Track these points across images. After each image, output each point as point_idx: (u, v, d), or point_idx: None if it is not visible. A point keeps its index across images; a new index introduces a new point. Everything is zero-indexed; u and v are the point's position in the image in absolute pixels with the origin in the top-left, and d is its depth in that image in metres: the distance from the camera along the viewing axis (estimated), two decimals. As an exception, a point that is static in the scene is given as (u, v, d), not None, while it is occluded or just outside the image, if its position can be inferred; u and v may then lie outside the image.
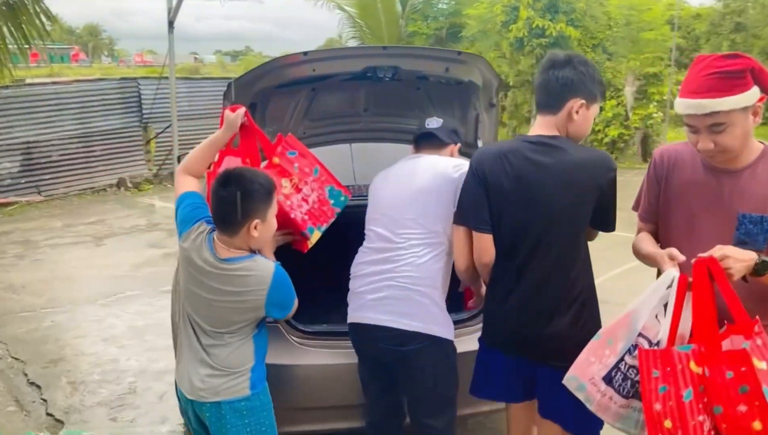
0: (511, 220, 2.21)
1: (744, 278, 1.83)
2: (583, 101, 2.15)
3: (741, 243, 1.90)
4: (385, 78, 2.90)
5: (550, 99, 2.19)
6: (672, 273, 1.88)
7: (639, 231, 2.26)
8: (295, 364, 2.64)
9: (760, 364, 1.68)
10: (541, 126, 2.22)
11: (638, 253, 2.20)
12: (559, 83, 2.15)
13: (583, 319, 2.18)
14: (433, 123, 2.65)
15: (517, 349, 2.27)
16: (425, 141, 2.64)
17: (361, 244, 2.57)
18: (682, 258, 1.90)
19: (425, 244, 2.43)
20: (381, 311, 2.40)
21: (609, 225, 2.25)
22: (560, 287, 2.19)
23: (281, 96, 3.11)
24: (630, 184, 11.02)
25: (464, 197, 2.31)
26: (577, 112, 2.15)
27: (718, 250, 1.80)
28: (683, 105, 1.88)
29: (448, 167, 2.47)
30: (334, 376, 2.74)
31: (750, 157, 1.95)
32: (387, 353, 2.43)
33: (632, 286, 5.78)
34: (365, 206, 2.61)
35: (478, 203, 2.24)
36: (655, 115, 13.50)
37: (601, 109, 13.33)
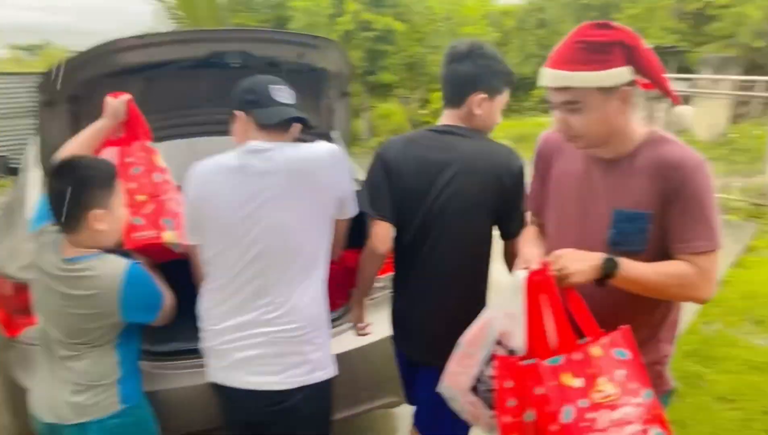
0: (413, 208, 2.13)
1: (600, 283, 1.61)
2: (485, 95, 2.10)
3: (615, 244, 1.67)
4: (233, 65, 2.64)
5: (453, 94, 2.14)
6: (518, 275, 1.65)
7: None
8: (150, 391, 2.31)
9: (571, 381, 1.52)
10: (447, 118, 2.17)
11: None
12: (459, 78, 2.10)
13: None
14: (284, 95, 2.02)
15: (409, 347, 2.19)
16: (278, 126, 1.99)
17: None
18: (534, 266, 1.64)
19: (307, 277, 1.99)
20: (259, 373, 1.96)
21: (510, 228, 2.18)
22: (464, 283, 2.13)
23: (110, 87, 2.72)
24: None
25: (366, 184, 2.18)
26: (479, 107, 2.09)
27: (553, 254, 1.63)
28: (542, 75, 1.64)
29: (322, 153, 1.99)
30: (194, 398, 2.46)
31: (630, 145, 1.68)
32: (262, 413, 2.03)
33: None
34: None
35: (379, 190, 2.14)
36: (478, 105, 14.22)
37: (427, 101, 14.01)
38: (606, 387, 1.51)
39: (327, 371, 2.07)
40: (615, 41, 1.54)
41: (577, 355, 1.55)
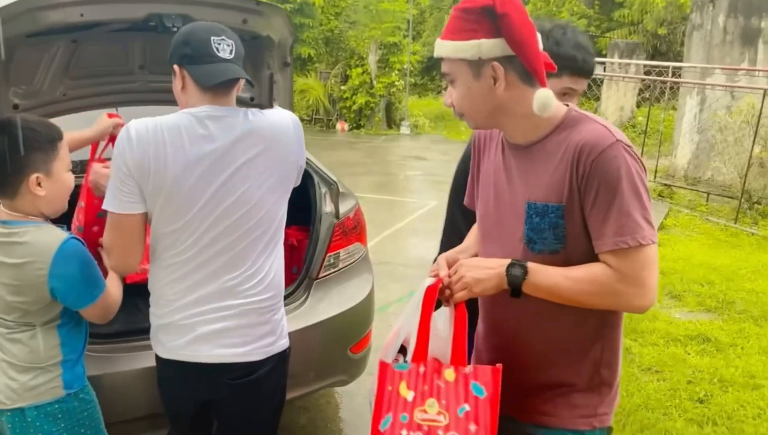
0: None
1: (515, 294, 1.42)
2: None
3: (531, 242, 1.45)
4: (174, 28, 2.44)
5: None
6: (425, 283, 1.52)
7: None
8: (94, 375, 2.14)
9: (404, 392, 1.42)
10: None
11: None
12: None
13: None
14: (225, 49, 1.79)
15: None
16: (223, 85, 1.77)
17: None
18: (442, 273, 1.52)
19: (273, 249, 1.91)
20: (226, 345, 1.85)
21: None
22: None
23: (32, 48, 2.47)
24: (378, 149, 11.56)
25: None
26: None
27: (456, 264, 1.51)
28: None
29: (287, 121, 1.90)
30: (142, 382, 2.31)
31: (541, 129, 1.45)
32: (224, 388, 1.91)
33: (401, 247, 6.10)
34: None
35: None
36: (397, 83, 14.23)
37: (348, 77, 13.91)
38: (433, 410, 1.38)
39: (287, 340, 2.02)
40: (481, 6, 1.34)
41: (423, 368, 1.43)
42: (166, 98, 2.97)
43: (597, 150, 1.34)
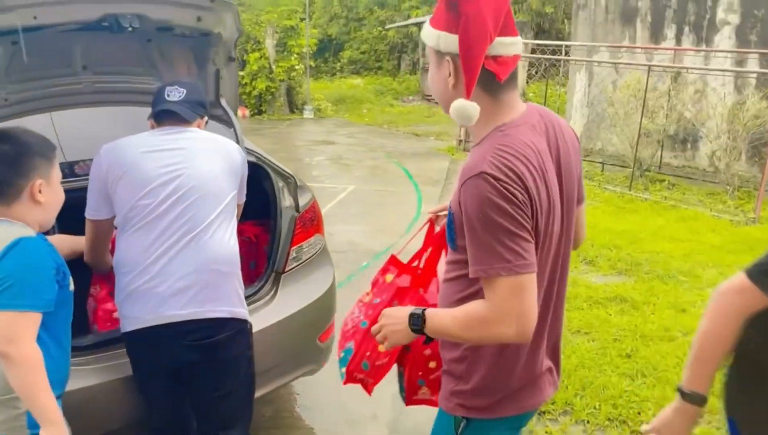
0: None
1: (426, 341, 1.61)
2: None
3: (451, 250, 1.52)
4: (129, 28, 2.38)
5: None
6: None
7: None
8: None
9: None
10: None
11: None
12: None
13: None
14: (174, 94, 2.30)
15: None
16: (167, 117, 2.29)
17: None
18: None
19: (227, 221, 2.24)
20: (187, 304, 2.10)
21: None
22: None
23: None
24: (283, 134, 11.55)
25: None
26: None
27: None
28: None
29: (234, 147, 2.39)
30: (112, 394, 2.28)
31: (476, 137, 1.46)
32: (189, 352, 2.13)
33: (329, 234, 6.16)
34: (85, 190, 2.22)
35: None
36: (297, 67, 14.09)
37: (246, 62, 13.61)
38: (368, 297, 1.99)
39: (247, 314, 2.28)
40: (450, 1, 1.36)
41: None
42: (110, 99, 2.91)
43: (463, 178, 1.36)
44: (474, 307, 1.39)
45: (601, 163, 8.76)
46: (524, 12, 17.30)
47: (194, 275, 2.10)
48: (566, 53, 10.27)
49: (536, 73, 12.31)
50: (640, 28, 9.48)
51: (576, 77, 10.06)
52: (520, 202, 1.32)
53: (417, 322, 1.49)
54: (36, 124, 2.93)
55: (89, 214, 2.24)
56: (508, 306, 1.33)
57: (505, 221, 1.31)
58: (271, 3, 14.02)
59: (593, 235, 5.88)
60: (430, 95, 12.63)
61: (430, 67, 1.49)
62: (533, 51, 12.73)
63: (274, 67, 13.82)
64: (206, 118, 2.46)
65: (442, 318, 1.47)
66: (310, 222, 2.99)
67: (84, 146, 3.01)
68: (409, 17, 18.31)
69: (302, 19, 14.67)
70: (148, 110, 2.45)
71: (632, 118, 7.93)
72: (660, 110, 7.96)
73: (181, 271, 2.09)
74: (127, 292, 2.11)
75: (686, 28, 8.86)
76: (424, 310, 1.49)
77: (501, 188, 1.31)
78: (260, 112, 14.14)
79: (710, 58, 8.60)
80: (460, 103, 1.36)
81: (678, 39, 8.94)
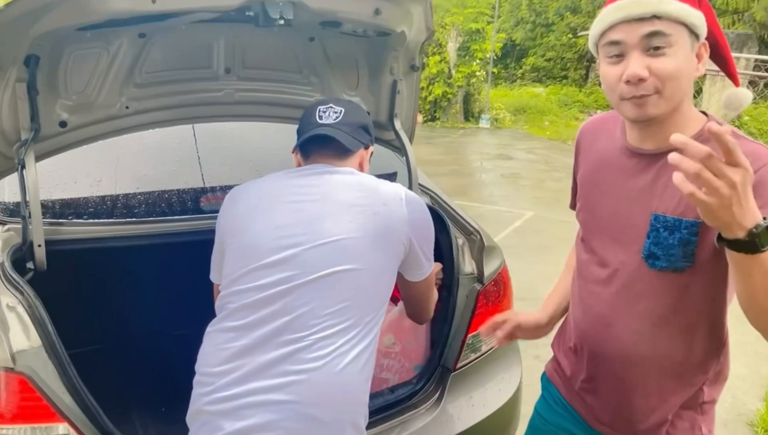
0: None
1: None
2: None
3: (652, 257, 1.30)
4: (280, 20, 1.72)
5: None
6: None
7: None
8: None
9: None
10: None
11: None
12: None
13: None
14: (329, 115, 1.66)
15: None
16: (319, 147, 1.64)
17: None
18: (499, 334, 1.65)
19: (354, 334, 1.44)
20: None
21: None
22: None
23: (86, 45, 1.80)
24: (456, 144, 10.51)
25: None
26: None
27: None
28: (612, 9, 1.25)
29: (392, 197, 1.55)
30: None
31: (689, 129, 1.28)
32: None
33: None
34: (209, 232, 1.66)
35: None
36: (478, 73, 13.32)
37: (426, 66, 13.12)
38: None
39: None
40: None
41: None
42: (256, 112, 2.27)
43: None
44: None
45: None
46: (744, 23, 15.09)
47: (273, 413, 1.33)
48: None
49: (757, 92, 10.64)
50: None
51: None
52: None
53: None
54: (173, 137, 2.47)
55: (211, 273, 1.69)
56: None
57: None
58: (458, 4, 13.33)
59: None
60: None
61: (677, 51, 1.23)
62: (756, 68, 11.09)
63: (453, 72, 13.13)
64: (372, 148, 1.75)
65: None
66: (495, 297, 2.17)
67: (228, 170, 2.47)
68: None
69: (489, 23, 13.82)
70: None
71: None
72: None
73: (256, 408, 1.34)
74: (193, 409, 1.45)
75: None
76: None
77: None
78: (434, 119, 13.53)
79: None
80: (745, 93, 1.40)
81: None
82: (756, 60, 11.11)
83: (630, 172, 1.37)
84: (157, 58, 1.95)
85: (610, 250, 1.39)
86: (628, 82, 1.23)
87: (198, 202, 2.23)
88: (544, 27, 20.84)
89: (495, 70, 16.77)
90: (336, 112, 1.66)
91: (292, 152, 1.70)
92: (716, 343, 1.35)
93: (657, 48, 1.22)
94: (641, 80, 1.22)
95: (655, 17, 1.21)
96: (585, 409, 1.51)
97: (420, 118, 13.37)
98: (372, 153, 1.75)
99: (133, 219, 2.10)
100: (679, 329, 1.32)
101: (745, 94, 1.36)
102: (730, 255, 1.11)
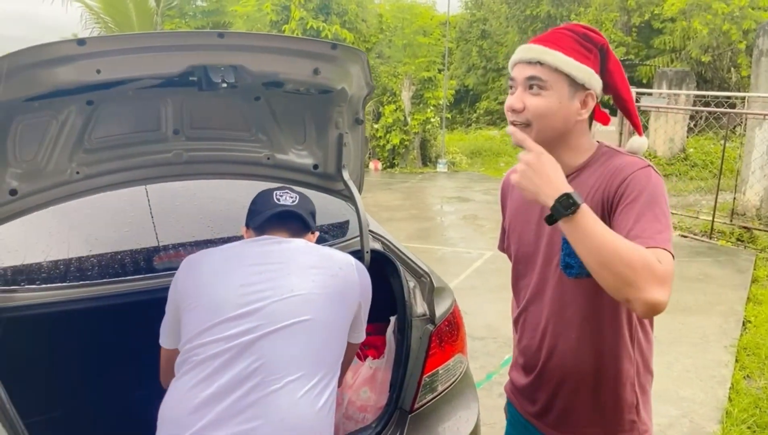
0: None
1: (550, 221, 1.43)
2: None
3: (567, 267, 1.49)
4: (223, 84, 1.80)
5: None
6: None
7: None
8: None
9: None
10: None
11: None
12: None
13: None
14: (287, 198, 1.88)
15: None
16: (279, 225, 1.82)
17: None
18: None
19: (317, 380, 1.56)
20: None
21: None
22: None
23: (35, 114, 1.84)
24: (415, 189, 10.71)
25: None
26: None
27: None
28: (518, 51, 1.52)
29: (346, 262, 1.77)
30: None
31: (577, 158, 1.52)
32: None
33: (464, 313, 5.36)
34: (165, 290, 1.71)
35: None
36: (432, 119, 13.62)
37: (381, 114, 13.37)
38: None
39: None
40: (598, 43, 1.48)
41: None
42: (206, 170, 2.33)
43: (627, 172, 1.43)
44: (645, 250, 1.30)
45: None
46: (681, 61, 15.85)
47: None
48: (733, 105, 8.93)
49: (695, 125, 11.08)
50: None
51: (756, 133, 8.65)
52: None
53: (568, 203, 1.29)
54: (126, 198, 2.50)
55: (161, 338, 1.76)
56: (671, 275, 1.29)
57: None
58: (409, 55, 13.70)
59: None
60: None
61: (552, 94, 1.46)
62: (695, 103, 11.60)
63: (409, 119, 13.41)
64: (316, 234, 1.95)
65: (599, 222, 1.30)
66: (449, 336, 2.24)
67: (176, 229, 2.49)
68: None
69: (440, 71, 14.22)
70: (255, 184, 2.07)
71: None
72: None
73: None
74: None
75: None
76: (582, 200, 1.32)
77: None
78: (393, 165, 13.73)
79: None
80: (644, 141, 1.57)
81: None
82: (695, 96, 11.61)
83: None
84: (106, 124, 2.00)
85: (538, 269, 1.57)
86: (507, 110, 1.49)
87: (152, 261, 2.25)
88: (495, 72, 21.49)
89: (449, 115, 17.18)
90: (292, 197, 1.88)
91: (245, 228, 1.84)
92: (636, 337, 1.53)
93: (534, 87, 1.45)
94: (515, 111, 1.46)
95: (539, 63, 1.45)
96: (535, 418, 1.65)
97: (379, 165, 13.55)
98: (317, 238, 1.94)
99: (87, 281, 2.11)
100: (600, 328, 1.49)
101: (641, 142, 1.55)
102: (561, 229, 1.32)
